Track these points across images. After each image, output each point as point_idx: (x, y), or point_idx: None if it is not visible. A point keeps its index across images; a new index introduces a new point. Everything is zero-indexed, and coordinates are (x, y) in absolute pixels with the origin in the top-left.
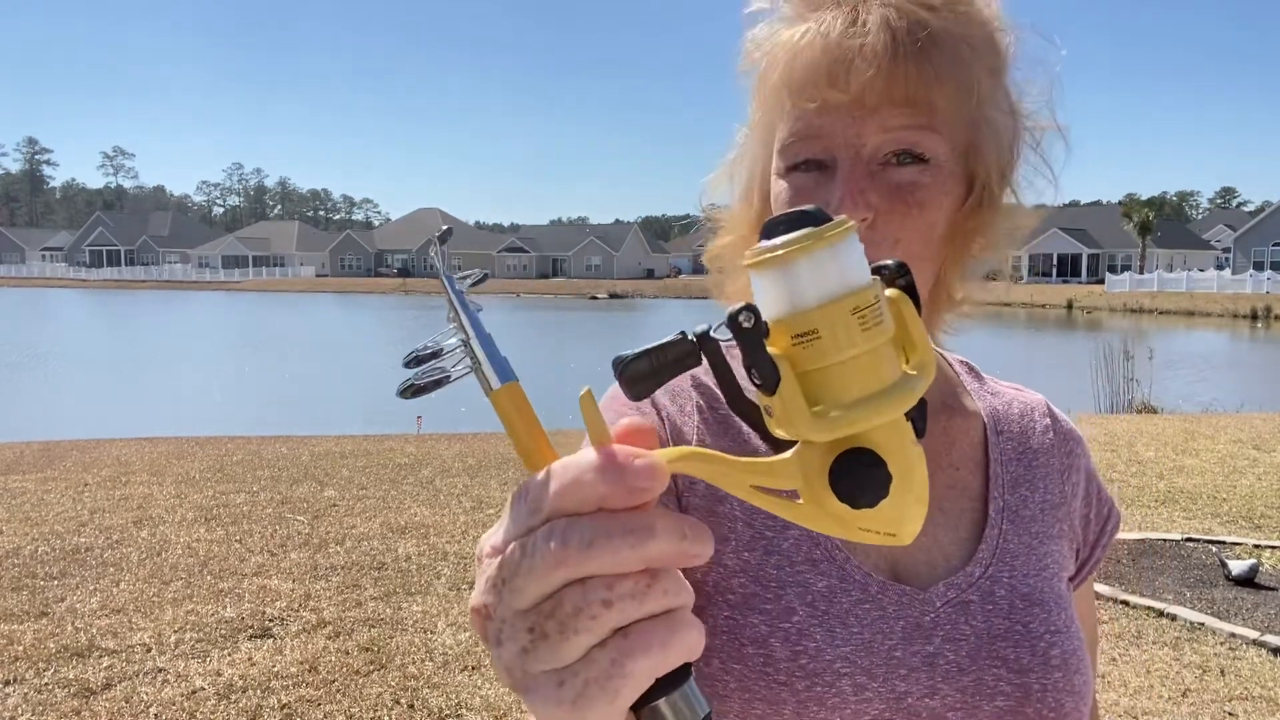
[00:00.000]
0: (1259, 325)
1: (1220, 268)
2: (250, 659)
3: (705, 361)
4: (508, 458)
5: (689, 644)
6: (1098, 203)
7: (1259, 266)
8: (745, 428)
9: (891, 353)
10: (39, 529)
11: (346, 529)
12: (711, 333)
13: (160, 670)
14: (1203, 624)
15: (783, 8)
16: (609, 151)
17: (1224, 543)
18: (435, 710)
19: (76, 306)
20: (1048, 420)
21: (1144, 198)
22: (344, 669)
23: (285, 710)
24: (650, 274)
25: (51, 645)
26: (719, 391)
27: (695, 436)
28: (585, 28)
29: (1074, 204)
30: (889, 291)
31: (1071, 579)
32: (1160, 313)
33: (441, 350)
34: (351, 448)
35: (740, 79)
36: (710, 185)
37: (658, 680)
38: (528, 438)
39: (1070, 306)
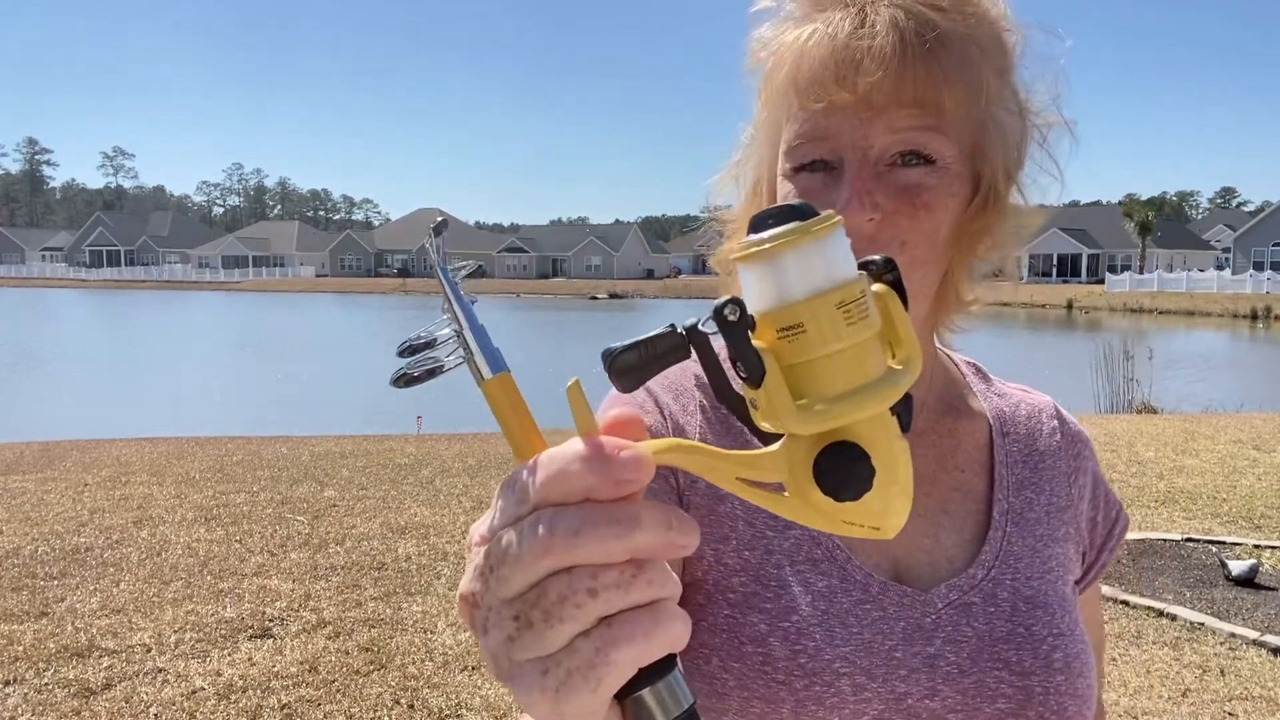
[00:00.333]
0: (1259, 325)
1: (1220, 268)
2: (250, 659)
3: (694, 354)
4: (507, 458)
5: (673, 635)
6: (1098, 203)
7: (1259, 266)
8: (751, 437)
9: (877, 347)
10: (39, 529)
11: (346, 529)
12: (700, 326)
13: (160, 670)
14: (1203, 624)
15: (789, 7)
16: (609, 151)
17: (1224, 543)
18: (435, 710)
19: (76, 307)
20: (1055, 422)
21: (1144, 198)
22: (344, 669)
23: (285, 710)
24: (650, 274)
25: (51, 645)
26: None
27: (698, 435)
28: (585, 28)
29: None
30: (876, 287)
31: (1078, 582)
32: (1160, 313)
33: (435, 340)
34: (351, 448)
35: (745, 79)
36: (715, 186)
37: (642, 670)
38: (518, 429)
39: (1070, 307)
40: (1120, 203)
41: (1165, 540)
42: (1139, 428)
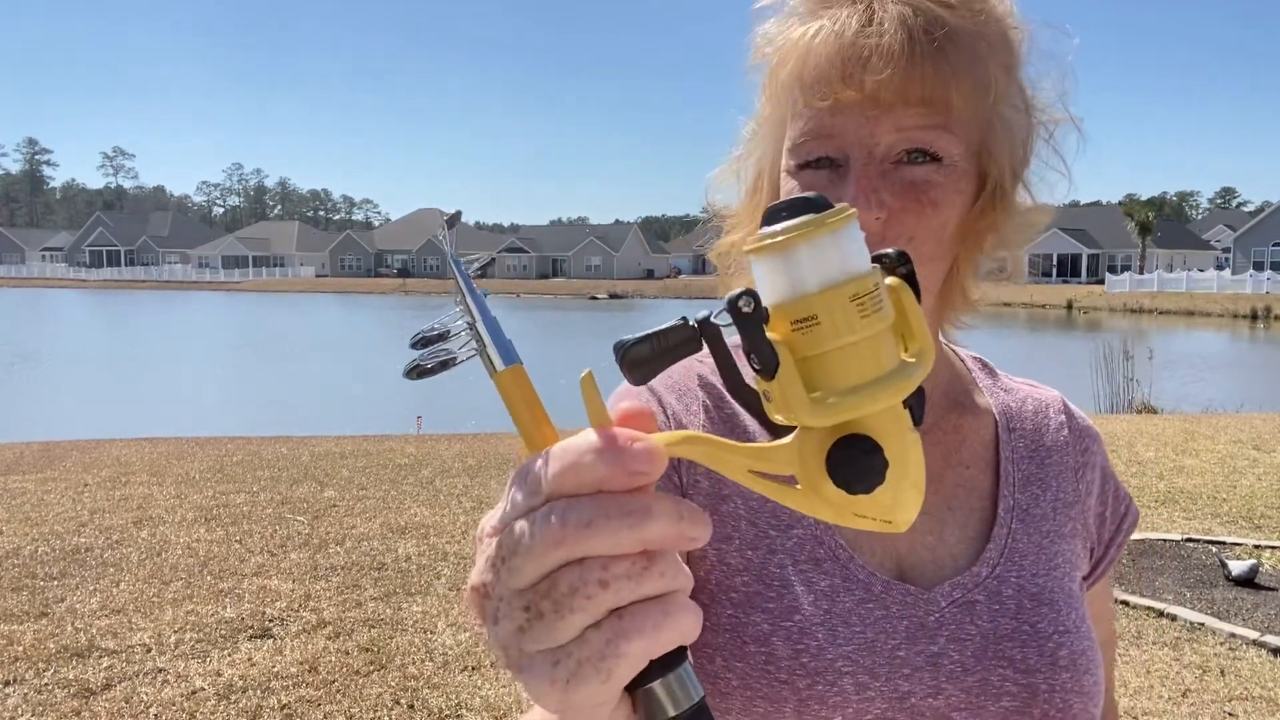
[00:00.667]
0: (1259, 325)
1: (1220, 268)
2: (250, 659)
3: (706, 348)
4: (508, 458)
5: (684, 627)
6: (1098, 203)
7: (1259, 266)
8: (752, 425)
9: (890, 340)
10: (39, 529)
11: (346, 529)
12: (712, 318)
13: (160, 670)
14: (1203, 624)
15: (793, 3)
16: (609, 151)
17: (1224, 543)
18: (435, 710)
19: (76, 307)
20: (1063, 417)
21: (1144, 198)
22: (344, 669)
23: (285, 710)
24: (650, 274)
25: (51, 645)
26: (726, 391)
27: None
28: (585, 28)
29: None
30: (889, 280)
31: (1085, 578)
32: (1160, 313)
33: (449, 332)
34: (351, 448)
35: (747, 75)
36: (715, 180)
37: (652, 662)
38: (530, 420)
39: (1070, 307)
40: (1120, 203)
41: (1165, 540)
42: (1139, 428)
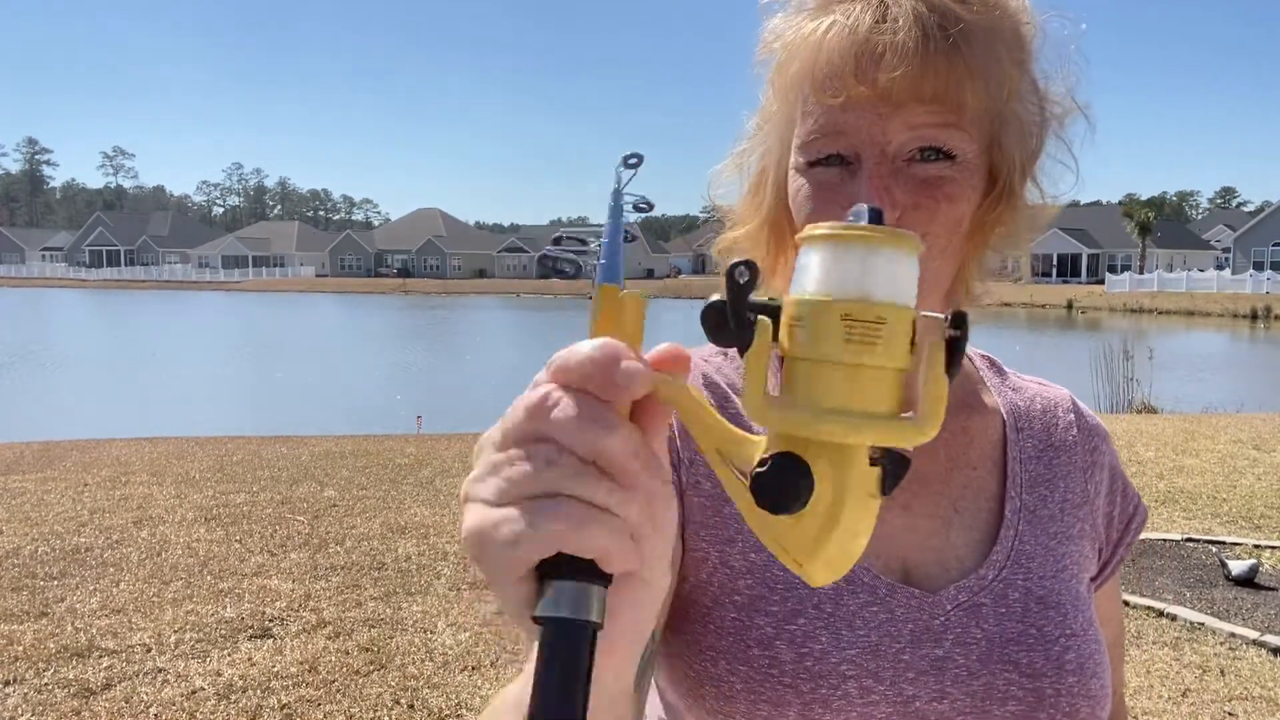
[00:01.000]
0: (1259, 325)
1: (1220, 268)
2: (250, 659)
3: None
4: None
5: (602, 544)
6: (1098, 203)
7: (1259, 266)
8: (756, 428)
9: (883, 384)
10: (39, 529)
11: (346, 529)
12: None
13: (160, 670)
14: (1202, 624)
15: None
16: (609, 151)
17: (1224, 543)
18: (435, 710)
19: (76, 307)
20: (1071, 416)
21: (1144, 198)
22: (344, 669)
23: (285, 710)
24: (650, 274)
25: (51, 645)
26: (731, 393)
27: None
28: (585, 28)
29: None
30: (930, 339)
31: (1094, 578)
32: (1160, 313)
33: (586, 243)
34: (351, 448)
35: (753, 70)
36: (717, 176)
37: (571, 565)
38: (594, 333)
39: (1070, 307)
40: (1120, 203)
41: (1165, 540)
42: (1139, 428)
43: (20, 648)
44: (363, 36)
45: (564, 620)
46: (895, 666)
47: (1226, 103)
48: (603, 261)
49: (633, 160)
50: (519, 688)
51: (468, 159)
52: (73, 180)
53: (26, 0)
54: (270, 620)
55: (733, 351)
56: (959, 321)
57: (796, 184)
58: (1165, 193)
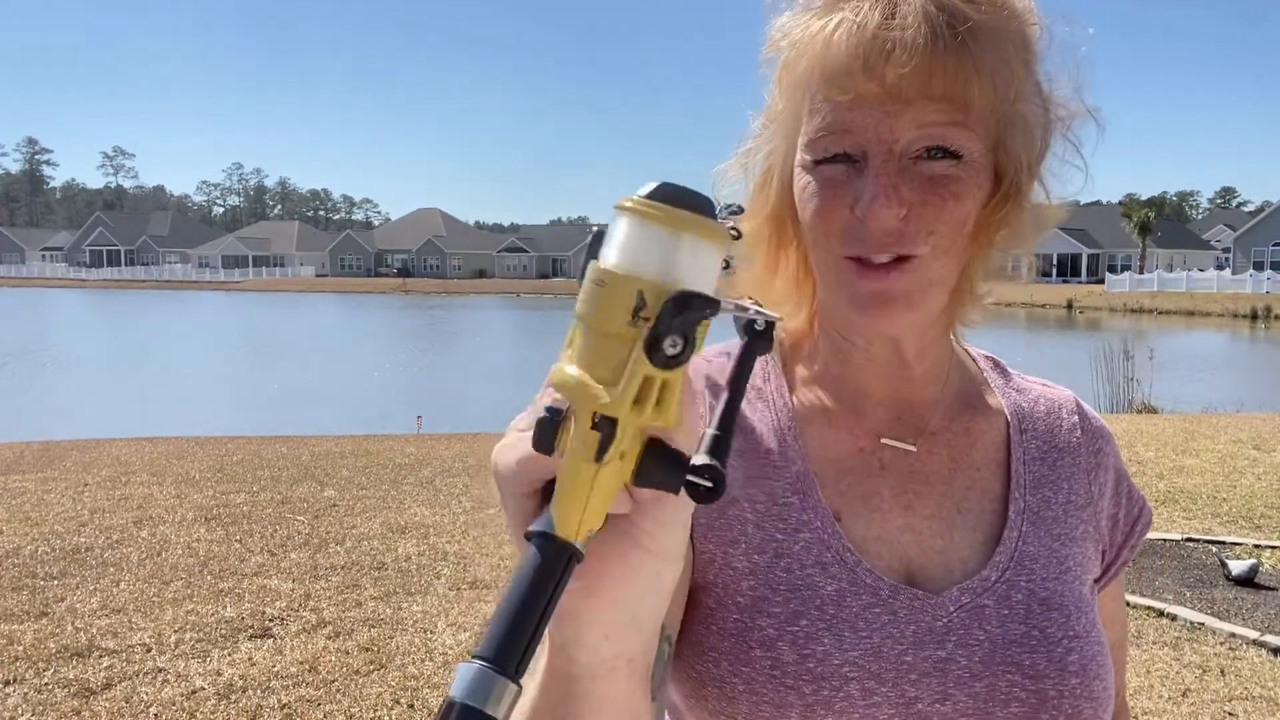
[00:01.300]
0: (1259, 325)
1: (1220, 268)
2: (250, 659)
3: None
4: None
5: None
6: (1098, 203)
7: (1259, 266)
8: (761, 430)
9: (605, 352)
10: (39, 529)
11: (346, 529)
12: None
13: (160, 670)
14: (1203, 624)
15: None
16: (609, 151)
17: (1224, 543)
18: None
19: (76, 307)
20: (1075, 418)
21: (1144, 198)
22: (344, 669)
23: (285, 710)
24: None
25: (51, 645)
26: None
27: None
28: (585, 27)
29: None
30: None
31: (1097, 580)
32: (1160, 313)
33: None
34: (351, 448)
35: (759, 70)
36: (722, 175)
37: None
38: None
39: (1070, 306)
40: (1120, 203)
41: (1165, 540)
42: (1139, 428)
43: (20, 648)
44: (363, 36)
45: (544, 535)
46: (898, 668)
47: (1226, 103)
48: None
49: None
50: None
51: (468, 159)
52: (73, 180)
53: (26, 0)
54: (270, 620)
55: (735, 351)
56: (762, 332)
57: (802, 181)
58: (1165, 193)
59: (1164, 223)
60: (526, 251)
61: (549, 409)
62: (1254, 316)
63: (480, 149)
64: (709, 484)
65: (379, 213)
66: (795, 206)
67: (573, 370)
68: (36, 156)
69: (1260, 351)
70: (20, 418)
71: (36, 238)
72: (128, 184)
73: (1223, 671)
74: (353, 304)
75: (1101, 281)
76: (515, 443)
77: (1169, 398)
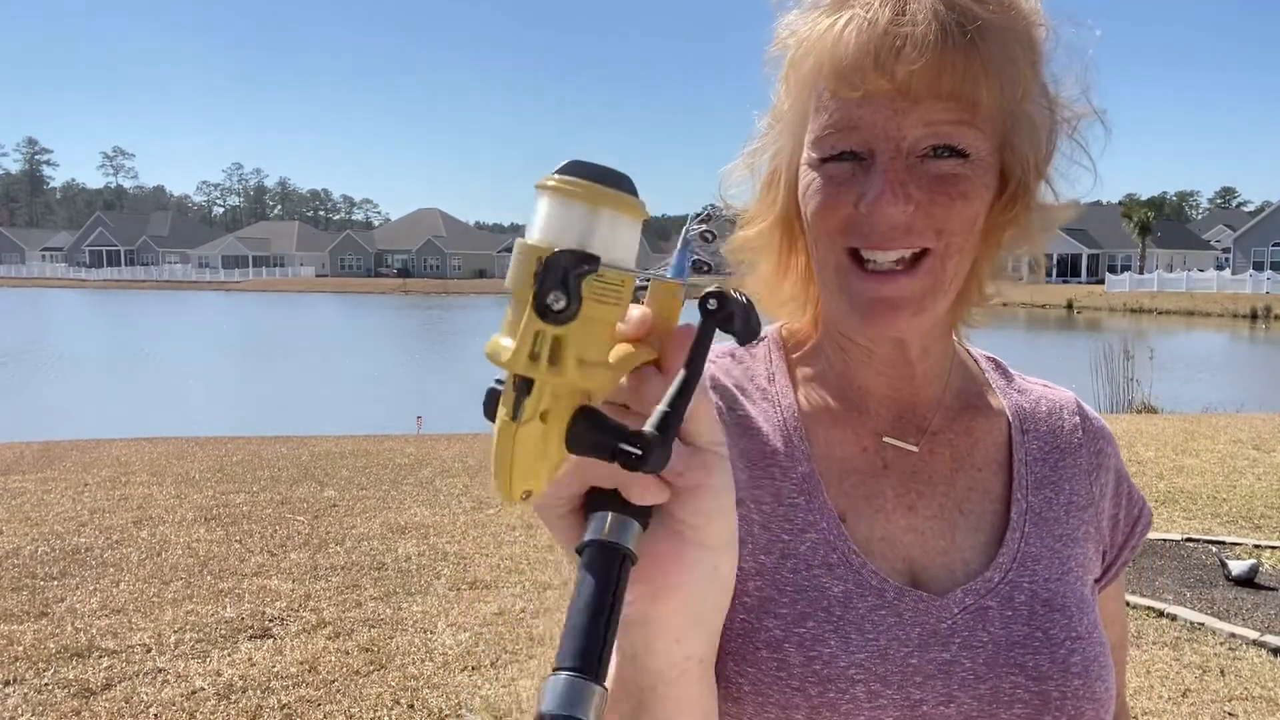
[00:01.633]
0: (1259, 325)
1: (1220, 268)
2: (250, 659)
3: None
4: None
5: (617, 475)
6: (1098, 203)
7: (1259, 266)
8: (767, 430)
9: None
10: (39, 529)
11: (346, 529)
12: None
13: (160, 670)
14: (1203, 624)
15: None
16: (609, 151)
17: (1224, 543)
18: (435, 710)
19: (77, 307)
20: (1077, 419)
21: (1144, 198)
22: (344, 669)
23: (285, 710)
24: None
25: (51, 645)
26: (739, 394)
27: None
28: (585, 27)
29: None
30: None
31: (1097, 580)
32: (1160, 313)
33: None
34: (351, 448)
35: (763, 69)
36: (728, 175)
37: (605, 503)
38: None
39: (1070, 306)
40: (1120, 203)
41: (1165, 540)
42: (1139, 428)
43: (20, 648)
44: (363, 36)
45: (593, 541)
46: (903, 671)
47: (1227, 103)
48: (673, 265)
49: (707, 219)
50: None
51: (468, 159)
52: (73, 180)
53: (27, 1)
54: (270, 620)
55: (741, 352)
56: (716, 301)
57: (807, 178)
58: (1165, 193)
59: (1164, 223)
60: None
61: (496, 380)
62: (1254, 316)
63: (480, 149)
64: (637, 452)
65: (379, 213)
66: (800, 205)
67: (496, 336)
68: (36, 156)
69: (1260, 351)
70: (20, 418)
71: (36, 238)
72: (128, 184)
73: (1223, 672)
74: (353, 304)
75: (1101, 282)
76: None
77: (1169, 398)
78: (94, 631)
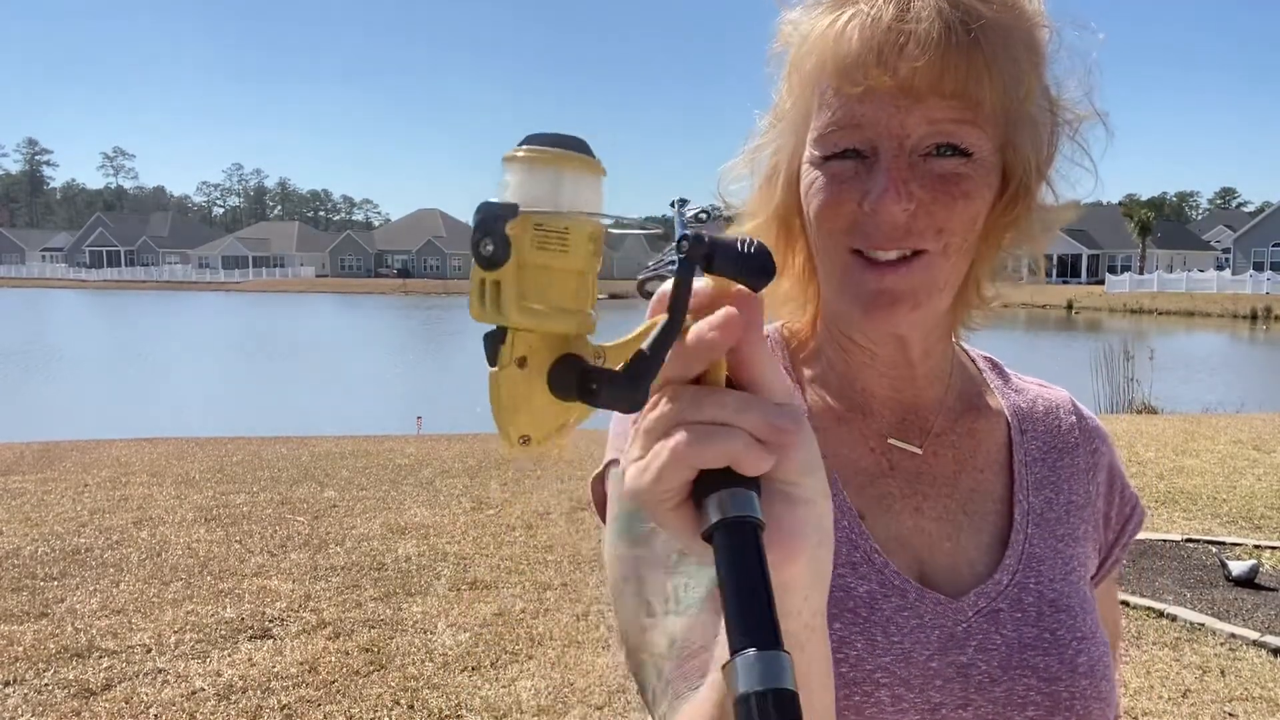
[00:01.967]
0: (1259, 325)
1: (1220, 268)
2: (250, 659)
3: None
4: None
5: (721, 449)
6: (1098, 203)
7: (1259, 267)
8: None
9: (561, 281)
10: (39, 529)
11: (346, 529)
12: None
13: (160, 671)
14: (1203, 624)
15: None
16: (608, 150)
17: (1224, 543)
18: (435, 711)
19: (77, 307)
20: (1073, 418)
21: (1144, 198)
22: (344, 669)
23: (285, 711)
24: None
25: (51, 645)
26: None
27: None
28: (586, 26)
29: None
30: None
31: (1092, 577)
32: (1160, 313)
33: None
34: (351, 448)
35: (767, 65)
36: (728, 173)
37: (715, 482)
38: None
39: (1070, 307)
40: (1120, 203)
41: (1165, 540)
42: (1139, 428)
43: (20, 648)
44: (363, 36)
45: (719, 522)
46: (924, 674)
47: (1227, 102)
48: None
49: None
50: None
51: (468, 159)
52: (73, 181)
53: (26, 0)
54: (270, 621)
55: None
56: (698, 242)
57: (810, 177)
58: (1165, 193)
59: (1164, 223)
60: None
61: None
62: (1254, 317)
63: (481, 148)
64: (592, 386)
65: (379, 213)
66: (802, 203)
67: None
68: (36, 157)
69: (1260, 352)
70: (20, 418)
71: (36, 238)
72: (128, 184)
73: (1223, 672)
74: (352, 304)
75: (1101, 282)
76: (645, 463)
77: (1169, 398)
78: (94, 632)
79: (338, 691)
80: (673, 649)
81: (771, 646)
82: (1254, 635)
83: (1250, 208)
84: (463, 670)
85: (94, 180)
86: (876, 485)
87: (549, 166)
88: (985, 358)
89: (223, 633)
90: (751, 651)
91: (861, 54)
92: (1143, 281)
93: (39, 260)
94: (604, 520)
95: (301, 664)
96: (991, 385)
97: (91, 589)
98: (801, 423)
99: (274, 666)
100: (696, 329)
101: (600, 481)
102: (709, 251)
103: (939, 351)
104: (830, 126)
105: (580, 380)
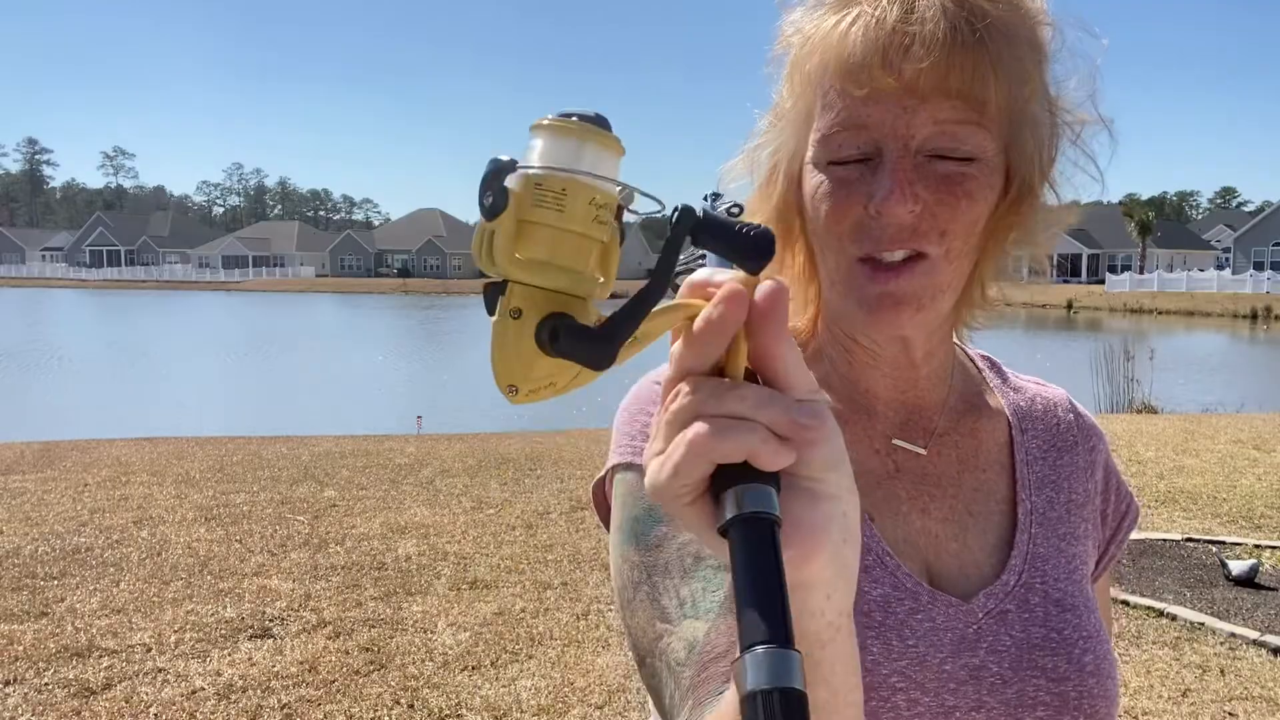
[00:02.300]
0: (1259, 325)
1: (1220, 268)
2: (250, 659)
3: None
4: (507, 458)
5: (740, 444)
6: (1098, 203)
7: (1259, 266)
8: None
9: (591, 253)
10: (39, 529)
11: (346, 529)
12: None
13: (160, 670)
14: (1203, 624)
15: None
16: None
17: (1224, 543)
18: (435, 710)
19: (77, 307)
20: (1071, 416)
21: (1144, 198)
22: (344, 669)
23: (285, 710)
24: (650, 273)
25: (51, 645)
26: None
27: None
28: (586, 25)
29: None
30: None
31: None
32: (1160, 313)
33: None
34: (351, 448)
35: (768, 65)
36: (728, 172)
37: (734, 477)
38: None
39: (1070, 307)
40: (1120, 203)
41: (1165, 540)
42: (1139, 428)
43: (20, 648)
44: (364, 35)
45: (734, 518)
46: (939, 677)
47: (1227, 103)
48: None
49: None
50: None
51: (469, 158)
52: (73, 180)
53: (27, 0)
54: (270, 620)
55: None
56: (686, 215)
57: (814, 180)
58: (1165, 193)
59: (1164, 223)
60: None
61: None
62: (1254, 317)
63: (481, 148)
64: (558, 336)
65: (379, 213)
66: (802, 204)
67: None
68: (36, 156)
69: (1260, 351)
70: (20, 418)
71: (36, 238)
72: (128, 184)
73: (1223, 671)
74: (353, 304)
75: (1102, 282)
76: (664, 457)
77: (1169, 398)
78: (94, 631)
79: (338, 691)
80: (692, 655)
81: (782, 644)
82: (1254, 635)
83: (1250, 207)
84: (463, 670)
85: (94, 180)
86: (883, 487)
87: (570, 136)
88: (983, 357)
89: (223, 632)
90: (760, 649)
91: (866, 56)
92: (1143, 281)
93: (39, 260)
94: (607, 526)
95: (301, 663)
96: (991, 384)
97: (91, 588)
98: (824, 418)
99: (274, 666)
100: (704, 312)
101: (603, 486)
102: (698, 224)
103: (942, 352)
104: (834, 127)
105: (552, 331)
